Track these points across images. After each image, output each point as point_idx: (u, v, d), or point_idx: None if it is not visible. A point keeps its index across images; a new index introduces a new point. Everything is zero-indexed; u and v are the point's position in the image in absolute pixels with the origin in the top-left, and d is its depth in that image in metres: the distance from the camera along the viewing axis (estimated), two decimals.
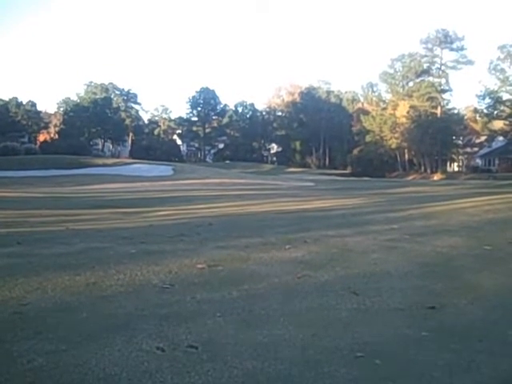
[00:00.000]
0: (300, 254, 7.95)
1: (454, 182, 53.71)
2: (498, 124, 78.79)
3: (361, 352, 4.02)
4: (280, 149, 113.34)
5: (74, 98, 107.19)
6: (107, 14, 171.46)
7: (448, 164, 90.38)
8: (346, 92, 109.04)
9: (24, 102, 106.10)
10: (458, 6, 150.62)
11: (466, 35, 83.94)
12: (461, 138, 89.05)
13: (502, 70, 76.65)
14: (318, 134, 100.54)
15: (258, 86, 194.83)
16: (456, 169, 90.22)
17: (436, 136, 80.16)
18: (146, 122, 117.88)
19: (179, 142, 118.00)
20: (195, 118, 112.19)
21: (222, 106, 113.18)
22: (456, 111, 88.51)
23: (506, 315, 5.05)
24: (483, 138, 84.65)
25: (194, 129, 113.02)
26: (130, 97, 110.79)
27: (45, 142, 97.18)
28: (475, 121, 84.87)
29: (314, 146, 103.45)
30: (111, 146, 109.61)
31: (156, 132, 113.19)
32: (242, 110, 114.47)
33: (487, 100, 78.52)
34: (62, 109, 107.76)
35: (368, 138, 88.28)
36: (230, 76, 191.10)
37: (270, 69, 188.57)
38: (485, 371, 3.73)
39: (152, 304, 5.26)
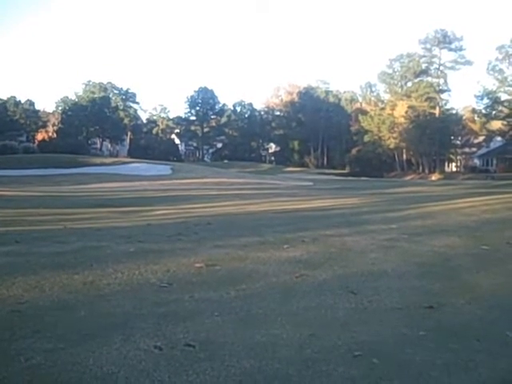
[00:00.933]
0: (298, 254, 7.95)
1: (452, 182, 53.78)
2: (496, 124, 78.84)
3: (358, 351, 4.02)
4: (278, 148, 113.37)
5: (73, 97, 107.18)
6: (106, 13, 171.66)
7: (446, 164, 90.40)
8: (344, 92, 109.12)
9: (22, 101, 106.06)
10: (456, 6, 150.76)
11: (464, 35, 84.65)
12: (459, 138, 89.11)
13: (501, 71, 76.72)
14: (316, 133, 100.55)
15: (256, 85, 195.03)
16: (454, 169, 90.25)
17: (434, 136, 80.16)
18: (145, 121, 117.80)
19: (177, 141, 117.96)
20: (193, 118, 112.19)
21: (220, 105, 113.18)
22: (454, 111, 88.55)
23: (503, 315, 5.05)
24: (481, 139, 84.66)
25: (193, 128, 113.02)
26: (128, 96, 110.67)
27: (43, 141, 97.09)
28: (473, 121, 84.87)
29: (313, 145, 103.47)
30: (109, 146, 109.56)
31: (154, 131, 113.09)
32: (241, 109, 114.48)
33: (485, 100, 78.61)
34: (60, 108, 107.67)
35: (366, 138, 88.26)
36: (229, 76, 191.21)
37: (268, 68, 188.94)
38: (483, 371, 3.74)
39: (150, 303, 5.26)
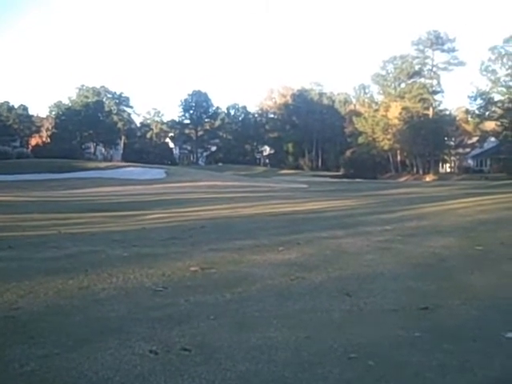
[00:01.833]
0: (293, 256, 7.95)
1: (446, 182, 53.93)
2: (490, 125, 79.03)
3: (354, 353, 4.02)
4: (272, 151, 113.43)
5: (66, 101, 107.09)
6: (99, 18, 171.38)
7: (440, 165, 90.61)
8: (338, 94, 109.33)
9: (15, 106, 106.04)
10: (449, 7, 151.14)
11: (457, 36, 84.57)
12: (453, 139, 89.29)
13: (494, 71, 76.95)
14: (310, 135, 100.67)
15: (250, 88, 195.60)
16: (448, 170, 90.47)
17: (428, 137, 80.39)
18: (139, 125, 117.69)
19: (172, 144, 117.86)
20: (187, 121, 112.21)
21: (214, 108, 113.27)
22: (448, 112, 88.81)
23: (498, 315, 5.06)
24: (475, 139, 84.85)
25: (187, 132, 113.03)
26: (122, 100, 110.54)
27: (37, 145, 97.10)
28: (467, 122, 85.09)
29: (307, 147, 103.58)
30: (103, 150, 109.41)
31: (148, 135, 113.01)
32: (235, 112, 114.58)
33: (479, 101, 78.78)
34: (53, 112, 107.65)
35: (360, 140, 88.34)
36: (222, 79, 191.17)
37: (262, 71, 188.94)
38: (478, 371, 3.74)
39: (145, 307, 5.25)
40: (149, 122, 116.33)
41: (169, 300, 5.51)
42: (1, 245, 9.11)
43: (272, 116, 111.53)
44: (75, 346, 4.16)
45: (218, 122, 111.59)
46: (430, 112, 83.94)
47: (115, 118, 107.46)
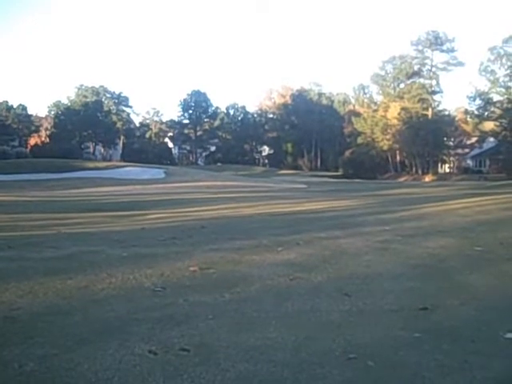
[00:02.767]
0: (292, 256, 7.95)
1: (446, 183, 54.01)
2: (489, 125, 79.01)
3: (353, 354, 4.02)
4: (272, 151, 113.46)
5: (65, 101, 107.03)
6: (98, 17, 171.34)
7: (439, 165, 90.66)
8: (337, 94, 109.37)
9: (14, 106, 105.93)
10: (448, 7, 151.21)
11: (456, 37, 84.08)
12: (452, 140, 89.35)
13: (493, 72, 76.97)
14: (309, 136, 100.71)
15: (249, 88, 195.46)
16: (447, 170, 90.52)
17: (427, 137, 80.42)
18: (138, 125, 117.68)
19: (171, 144, 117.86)
20: (187, 121, 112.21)
21: (213, 108, 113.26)
22: (447, 112, 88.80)
23: (497, 316, 5.06)
24: (474, 139, 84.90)
25: (186, 131, 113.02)
26: (121, 100, 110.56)
27: (36, 145, 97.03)
28: (466, 122, 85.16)
29: (306, 148, 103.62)
30: (102, 150, 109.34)
31: (147, 135, 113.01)
32: (234, 112, 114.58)
33: (478, 101, 78.83)
34: (52, 112, 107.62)
35: (359, 140, 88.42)
36: (222, 79, 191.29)
37: (261, 71, 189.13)
38: (477, 372, 3.74)
39: (144, 307, 5.24)
40: (148, 121, 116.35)
41: (168, 300, 5.51)
42: (0, 245, 9.10)
43: (271, 116, 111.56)
44: (74, 346, 4.15)
45: (217, 122, 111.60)
46: (429, 112, 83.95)
47: (114, 117, 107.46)
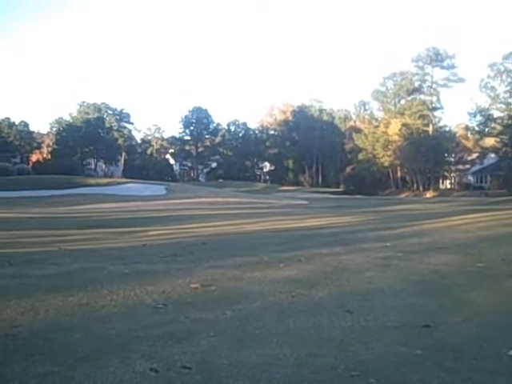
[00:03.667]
0: (294, 273, 7.94)
1: (447, 199, 53.98)
2: (490, 141, 79.20)
3: (355, 371, 4.00)
4: (273, 167, 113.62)
5: (67, 117, 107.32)
6: (100, 34, 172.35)
7: (440, 181, 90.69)
8: (338, 110, 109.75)
9: (16, 123, 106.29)
10: (448, 24, 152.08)
11: (456, 53, 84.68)
12: (453, 156, 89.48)
13: (493, 88, 77.27)
14: (310, 152, 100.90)
15: (250, 104, 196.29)
16: (448, 186, 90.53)
17: (428, 153, 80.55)
18: (139, 141, 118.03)
19: (172, 161, 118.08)
20: (188, 137, 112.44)
21: (214, 125, 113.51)
22: (448, 129, 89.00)
23: (499, 333, 5.04)
24: (475, 155, 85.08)
25: (187, 148, 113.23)
26: (122, 116, 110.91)
27: (37, 162, 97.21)
28: (467, 138, 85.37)
29: (307, 164, 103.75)
30: (104, 166, 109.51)
31: (149, 151, 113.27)
32: (235, 128, 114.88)
33: (478, 117, 79.08)
34: (54, 129, 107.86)
35: (360, 156, 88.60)
36: (223, 95, 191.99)
37: (262, 88, 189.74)
38: None
39: (145, 324, 5.23)
40: (149, 138, 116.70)
41: (169, 317, 5.50)
42: (1, 261, 9.10)
43: (272, 132, 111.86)
44: (75, 363, 4.14)
45: (218, 139, 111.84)
46: (430, 128, 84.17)
47: (116, 134, 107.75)
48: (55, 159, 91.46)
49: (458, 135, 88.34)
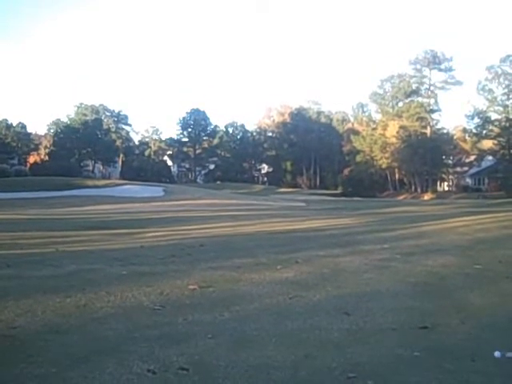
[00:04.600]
0: (291, 275, 7.94)
1: (445, 201, 53.99)
2: (487, 143, 79.41)
3: (353, 373, 4.00)
4: (271, 169, 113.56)
5: (65, 119, 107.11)
6: (98, 36, 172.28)
7: (438, 183, 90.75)
8: (336, 112, 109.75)
9: (14, 124, 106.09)
10: (446, 26, 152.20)
11: (454, 56, 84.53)
12: (451, 158, 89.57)
13: (490, 91, 77.51)
14: (308, 154, 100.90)
15: (248, 106, 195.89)
16: (446, 188, 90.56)
17: (426, 156, 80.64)
18: (137, 143, 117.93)
19: (170, 162, 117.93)
20: (186, 139, 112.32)
21: (212, 126, 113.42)
22: (445, 131, 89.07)
23: (497, 334, 5.05)
24: (473, 158, 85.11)
25: (185, 150, 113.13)
26: (120, 118, 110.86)
27: (35, 163, 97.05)
28: (464, 140, 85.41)
29: (305, 166, 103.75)
30: (102, 168, 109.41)
31: (147, 153, 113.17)
32: (233, 130, 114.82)
33: (476, 120, 79.32)
34: (52, 130, 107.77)
35: (358, 158, 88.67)
36: (221, 97, 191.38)
37: (260, 90, 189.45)
38: None
39: (143, 326, 5.22)
40: (147, 139, 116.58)
41: (167, 319, 5.49)
42: None
43: (270, 134, 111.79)
44: (73, 365, 4.14)
45: (216, 141, 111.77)
46: (428, 131, 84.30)
47: (113, 135, 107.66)
48: (53, 161, 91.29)
49: (455, 137, 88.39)
